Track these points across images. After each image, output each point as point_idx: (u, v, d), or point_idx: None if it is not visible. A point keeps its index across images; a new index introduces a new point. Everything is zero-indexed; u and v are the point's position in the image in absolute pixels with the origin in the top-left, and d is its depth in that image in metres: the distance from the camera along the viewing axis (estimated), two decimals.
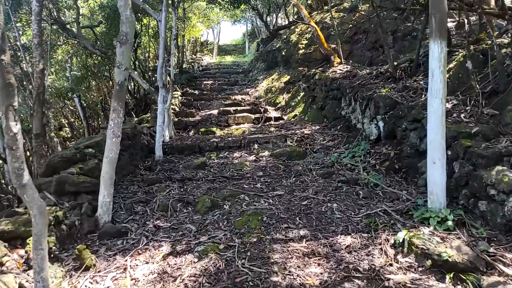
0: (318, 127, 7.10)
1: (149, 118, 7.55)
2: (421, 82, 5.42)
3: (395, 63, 6.93)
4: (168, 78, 7.34)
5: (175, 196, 3.87)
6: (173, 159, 5.91)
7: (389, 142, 4.95)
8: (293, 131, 7.04)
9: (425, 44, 6.15)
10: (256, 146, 6.28)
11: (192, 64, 14.44)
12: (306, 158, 5.42)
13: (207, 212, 3.47)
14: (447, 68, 4.24)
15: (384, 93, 5.45)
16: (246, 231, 3.00)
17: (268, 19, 19.17)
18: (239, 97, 10.11)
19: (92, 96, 10.94)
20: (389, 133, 4.98)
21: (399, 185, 4.03)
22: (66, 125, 10.93)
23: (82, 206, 3.27)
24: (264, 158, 5.56)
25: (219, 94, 10.47)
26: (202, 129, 8.01)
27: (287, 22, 14.61)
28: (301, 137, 6.39)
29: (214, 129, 7.95)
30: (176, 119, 8.49)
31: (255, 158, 5.57)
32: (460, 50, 5.57)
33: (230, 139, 6.68)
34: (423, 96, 5.08)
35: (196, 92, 10.53)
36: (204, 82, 11.70)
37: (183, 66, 13.16)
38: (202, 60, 17.28)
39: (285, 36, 11.76)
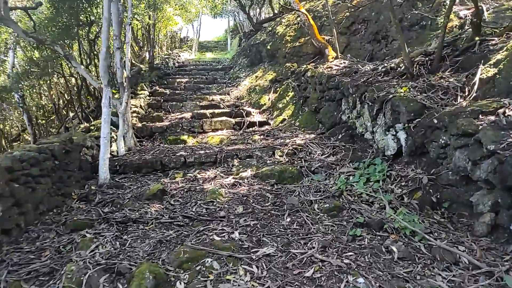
0: (313, 135, 5.74)
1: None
2: (451, 80, 4.13)
3: (401, 58, 5.66)
4: (124, 73, 5.81)
5: (101, 261, 2.40)
6: (124, 182, 4.41)
7: (416, 162, 3.63)
8: (282, 140, 5.66)
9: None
10: (235, 162, 4.86)
11: (167, 60, 12.85)
12: (302, 181, 4.04)
13: None
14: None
15: (403, 94, 4.14)
16: None
17: (252, 13, 17.74)
18: (217, 98, 8.65)
19: (43, 97, 9.22)
20: (415, 148, 3.66)
21: (444, 231, 2.71)
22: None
23: None
24: (245, 180, 4.14)
25: (194, 94, 8.97)
26: (171, 137, 6.52)
27: (272, 15, 13.22)
28: (293, 149, 5.01)
29: (185, 137, 6.47)
30: (140, 125, 6.97)
31: (233, 180, 4.14)
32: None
33: (202, 152, 5.22)
34: (458, 98, 3.78)
35: (168, 91, 9.00)
36: (178, 80, 10.17)
37: (155, 62, 11.57)
38: (179, 56, 15.67)
39: (270, 28, 10.38)
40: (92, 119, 7.99)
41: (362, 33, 7.63)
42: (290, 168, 4.17)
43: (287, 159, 4.75)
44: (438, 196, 3.07)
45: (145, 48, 12.64)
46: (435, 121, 3.36)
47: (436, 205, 3.04)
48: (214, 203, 3.45)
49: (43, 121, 8.92)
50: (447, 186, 3.08)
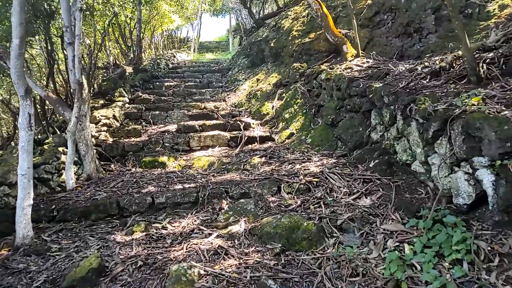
0: (332, 159, 4.26)
1: (51, 145, 4.55)
2: None
3: (454, 54, 4.18)
4: (82, 77, 4.38)
5: None
6: (55, 240, 2.96)
7: None
8: (290, 166, 4.19)
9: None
10: (224, 204, 3.39)
11: (158, 61, 11.43)
12: (324, 246, 2.56)
13: None
14: None
15: (479, 108, 2.66)
16: None
17: (254, 10, 16.29)
18: (210, 105, 7.19)
19: None
20: None
21: None
22: None
23: None
24: (236, 243, 2.67)
25: (183, 101, 7.52)
26: (147, 158, 5.07)
27: (277, 9, 11.75)
28: (307, 184, 3.53)
29: (165, 158, 5.02)
30: (110, 141, 5.54)
31: (218, 242, 2.67)
32: None
33: (179, 187, 3.76)
34: None
35: (152, 97, 7.56)
36: (167, 84, 8.73)
37: (142, 63, 10.17)
38: (175, 57, 14.26)
39: (274, 23, 8.91)
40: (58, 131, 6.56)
41: (388, 25, 6.13)
42: (305, 224, 2.68)
43: (298, 202, 3.26)
44: None
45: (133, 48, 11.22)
46: None
47: None
48: None
49: None
50: None
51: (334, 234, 2.68)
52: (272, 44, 8.24)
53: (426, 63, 4.61)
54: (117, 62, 10.31)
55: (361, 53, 5.80)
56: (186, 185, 3.74)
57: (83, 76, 4.31)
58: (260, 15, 12.97)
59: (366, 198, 3.18)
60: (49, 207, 3.34)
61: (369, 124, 4.29)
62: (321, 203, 3.18)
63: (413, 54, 5.76)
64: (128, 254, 2.59)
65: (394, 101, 3.68)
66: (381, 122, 3.97)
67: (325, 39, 6.44)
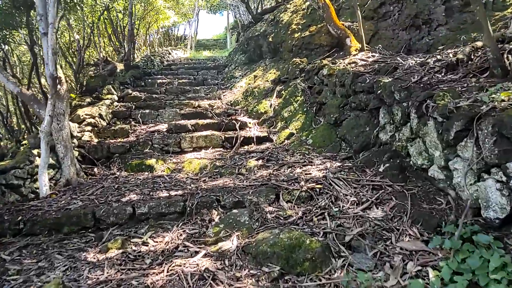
0: (336, 162, 3.85)
1: (27, 147, 4.13)
2: None
3: (472, 45, 3.78)
4: (58, 71, 3.95)
5: None
6: (16, 258, 2.54)
7: None
8: (290, 170, 3.78)
9: None
10: (215, 215, 2.98)
11: (152, 58, 11.00)
12: (330, 269, 2.15)
13: None
14: None
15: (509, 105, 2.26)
16: None
17: (253, 6, 15.83)
18: (205, 103, 6.78)
19: None
20: None
21: None
22: None
23: None
24: (227, 264, 2.26)
25: (176, 99, 7.10)
26: (134, 161, 4.65)
27: (275, 3, 11.31)
28: (309, 191, 3.12)
29: (153, 161, 4.60)
30: (95, 142, 5.13)
31: (205, 264, 2.26)
32: None
33: (164, 194, 3.35)
34: None
35: (143, 95, 7.14)
36: (159, 81, 8.30)
37: (134, 60, 9.75)
38: (170, 54, 13.82)
39: (272, 17, 8.48)
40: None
41: (395, 17, 5.72)
42: (308, 241, 2.28)
43: (299, 212, 2.85)
44: None
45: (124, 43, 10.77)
46: None
47: None
48: None
49: None
50: None
51: (342, 254, 2.27)
52: (270, 39, 7.82)
53: (439, 56, 4.21)
54: (109, 58, 9.87)
55: (366, 46, 5.39)
56: (173, 193, 3.33)
57: (58, 70, 3.89)
58: (259, 10, 12.53)
59: (377, 208, 2.77)
60: (15, 218, 2.92)
61: (377, 123, 3.88)
62: (326, 214, 2.77)
63: (422, 47, 5.36)
64: (98, 279, 2.18)
65: (406, 98, 3.27)
66: (391, 121, 3.56)
67: (327, 32, 6.02)
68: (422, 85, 3.32)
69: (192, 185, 3.59)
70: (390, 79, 3.77)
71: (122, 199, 3.22)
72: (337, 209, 2.82)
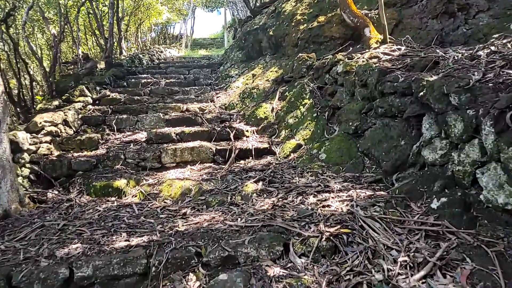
0: (365, 190, 2.85)
1: None
2: None
3: None
4: None
5: None
6: None
7: None
8: (300, 200, 2.79)
9: None
10: (193, 280, 1.96)
11: (140, 56, 9.98)
12: None
13: None
14: None
15: None
16: None
17: (251, 2, 14.83)
18: (194, 107, 5.77)
19: None
20: None
21: None
22: None
23: None
24: None
25: (161, 101, 6.10)
26: (99, 183, 3.64)
27: None
28: (331, 239, 2.12)
29: (122, 182, 3.59)
30: (55, 156, 4.13)
31: None
32: None
33: (122, 244, 2.33)
34: None
35: (123, 97, 6.12)
36: (144, 81, 7.28)
37: (119, 58, 8.73)
38: (162, 52, 12.81)
39: (273, 8, 7.49)
40: None
41: (423, 3, 4.74)
42: None
43: (322, 281, 1.85)
44: None
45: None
46: None
47: None
48: None
49: None
50: None
51: None
52: (271, 33, 6.82)
53: (493, 48, 3.23)
54: (90, 56, 8.86)
55: (390, 38, 4.41)
56: (135, 239, 2.32)
57: None
58: (257, 4, 11.53)
59: (445, 277, 1.77)
60: None
61: (417, 136, 2.90)
62: (365, 285, 1.77)
63: (458, 39, 4.37)
64: None
65: (471, 103, 2.28)
66: (442, 135, 2.57)
67: (340, 22, 5.03)
68: (492, 85, 2.33)
69: (166, 223, 2.58)
70: (436, 77, 2.78)
71: (58, 252, 2.21)
72: (380, 276, 1.82)
